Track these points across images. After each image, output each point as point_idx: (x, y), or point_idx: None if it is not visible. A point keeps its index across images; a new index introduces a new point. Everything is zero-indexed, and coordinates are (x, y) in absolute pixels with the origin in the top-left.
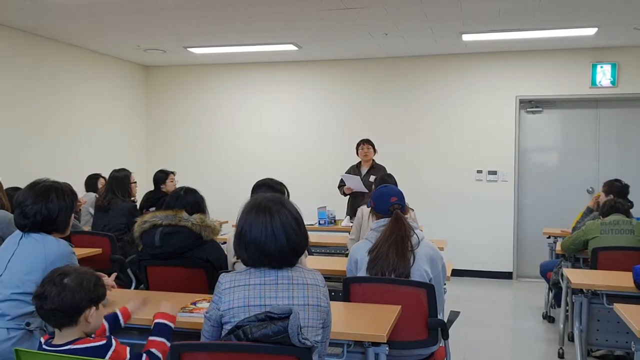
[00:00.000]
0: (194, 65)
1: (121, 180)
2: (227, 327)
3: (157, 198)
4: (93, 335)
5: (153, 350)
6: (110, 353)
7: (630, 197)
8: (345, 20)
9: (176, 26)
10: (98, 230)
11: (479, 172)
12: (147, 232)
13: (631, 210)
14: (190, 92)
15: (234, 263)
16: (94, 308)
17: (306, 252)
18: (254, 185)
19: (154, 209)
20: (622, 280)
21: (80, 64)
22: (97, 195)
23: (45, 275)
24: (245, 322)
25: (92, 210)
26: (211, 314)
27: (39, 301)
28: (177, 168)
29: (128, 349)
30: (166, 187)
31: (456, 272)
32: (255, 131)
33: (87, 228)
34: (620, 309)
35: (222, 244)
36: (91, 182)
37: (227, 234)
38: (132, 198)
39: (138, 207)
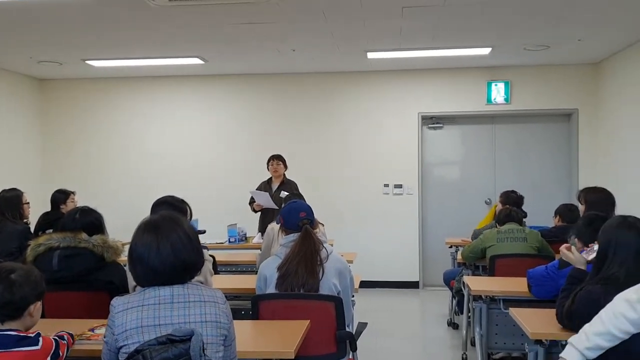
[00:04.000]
0: (93, 78)
1: (11, 200)
2: (124, 350)
3: (55, 220)
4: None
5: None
6: (41, 340)
7: (523, 206)
8: (251, 35)
9: (73, 38)
10: None
11: (386, 185)
12: (43, 256)
13: (525, 220)
14: (90, 107)
15: (135, 286)
16: (38, 303)
17: (212, 270)
18: (154, 204)
19: (50, 231)
20: (517, 285)
21: None
22: None
23: None
24: (145, 345)
25: None
26: (107, 339)
27: None
28: (77, 187)
29: (52, 338)
30: (66, 207)
31: (365, 284)
32: (161, 148)
33: None
34: (515, 313)
35: (124, 265)
36: None
37: None
38: (25, 220)
39: (32, 229)
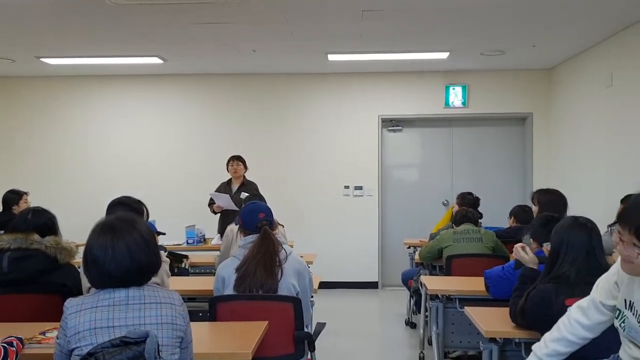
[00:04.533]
0: (48, 76)
1: None
2: (76, 352)
3: (6, 221)
4: None
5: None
6: None
7: (479, 208)
8: (211, 35)
9: (26, 34)
10: None
11: (346, 187)
12: None
13: (481, 220)
14: (44, 106)
15: (89, 288)
16: None
17: (168, 272)
18: (109, 204)
19: (1, 232)
20: (472, 284)
21: None
22: None
23: None
24: (98, 348)
25: None
26: (60, 341)
27: None
28: (30, 187)
29: (0, 345)
30: (19, 208)
31: (325, 285)
32: (118, 148)
33: None
34: (470, 311)
35: (78, 267)
36: None
37: None
38: None
39: None
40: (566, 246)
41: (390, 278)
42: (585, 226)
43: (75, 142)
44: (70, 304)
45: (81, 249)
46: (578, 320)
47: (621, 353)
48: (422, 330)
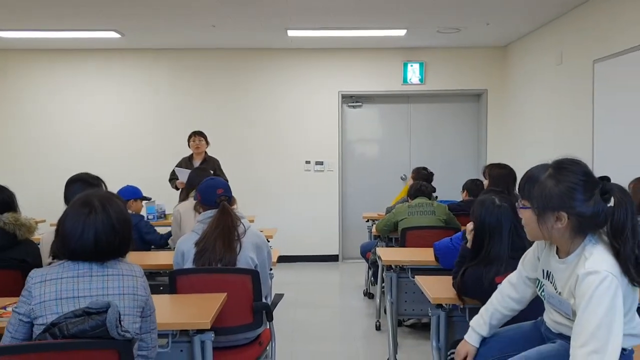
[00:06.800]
0: (3, 50)
1: None
2: (40, 321)
3: None
4: None
5: None
6: None
7: (435, 181)
8: (170, 9)
9: None
10: None
11: (308, 162)
12: None
13: (436, 194)
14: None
15: (49, 264)
16: None
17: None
18: (68, 181)
19: None
20: (424, 255)
21: None
22: None
23: None
24: (61, 319)
25: None
26: (20, 309)
27: None
28: None
29: None
30: None
31: (287, 258)
32: (77, 124)
33: None
34: (420, 280)
35: (37, 244)
36: None
37: (43, 234)
38: None
39: None
40: (488, 227)
41: (351, 251)
42: (502, 207)
43: (32, 119)
44: (35, 274)
45: (40, 225)
46: (509, 295)
47: (545, 317)
48: (378, 300)
